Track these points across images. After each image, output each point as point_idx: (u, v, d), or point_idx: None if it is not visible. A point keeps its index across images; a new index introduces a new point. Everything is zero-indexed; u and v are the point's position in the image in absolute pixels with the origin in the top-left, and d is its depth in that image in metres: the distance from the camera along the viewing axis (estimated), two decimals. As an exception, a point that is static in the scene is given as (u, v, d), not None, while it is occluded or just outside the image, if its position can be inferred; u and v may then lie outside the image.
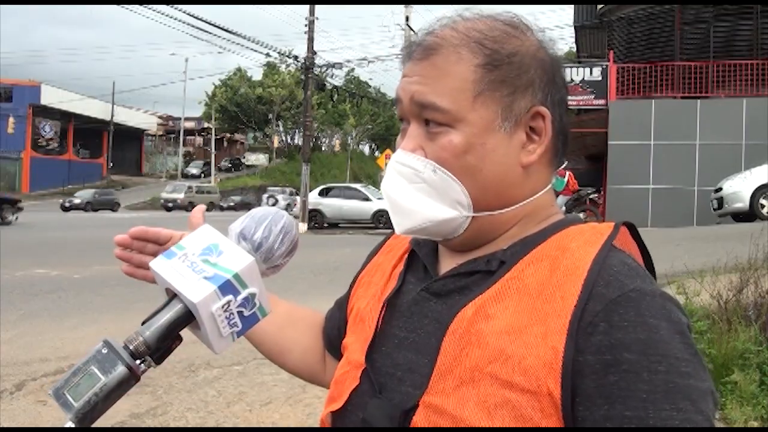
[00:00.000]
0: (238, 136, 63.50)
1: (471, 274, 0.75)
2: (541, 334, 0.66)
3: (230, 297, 0.66)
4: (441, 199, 0.74)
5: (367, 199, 22.23)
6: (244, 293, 0.67)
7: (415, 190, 0.75)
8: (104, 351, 0.64)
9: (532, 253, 0.73)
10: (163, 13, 18.53)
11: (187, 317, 0.66)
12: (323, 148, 57.99)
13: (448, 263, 0.80)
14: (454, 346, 0.70)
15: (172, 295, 0.67)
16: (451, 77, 0.74)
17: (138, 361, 0.64)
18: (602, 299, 0.65)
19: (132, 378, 0.63)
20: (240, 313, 0.67)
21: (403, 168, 0.76)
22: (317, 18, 21.80)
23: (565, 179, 13.94)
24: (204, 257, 0.67)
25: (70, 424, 0.62)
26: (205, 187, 45.33)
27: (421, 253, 0.83)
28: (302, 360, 1.01)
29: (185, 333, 0.70)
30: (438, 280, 0.78)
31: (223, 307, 0.65)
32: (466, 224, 0.75)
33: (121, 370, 0.63)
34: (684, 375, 0.62)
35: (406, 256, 0.87)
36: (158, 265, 0.68)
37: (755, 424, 2.95)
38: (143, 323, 0.66)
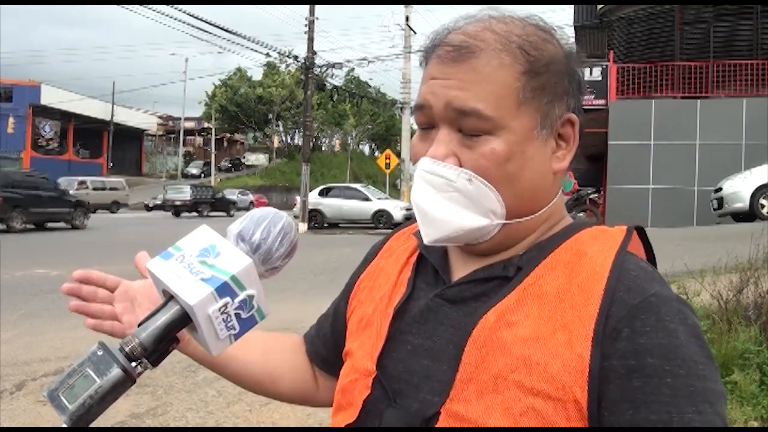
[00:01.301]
0: (238, 136, 63.47)
1: (487, 281, 0.74)
2: (565, 342, 0.66)
3: (227, 299, 0.65)
4: (474, 208, 0.72)
5: (367, 199, 22.24)
6: (241, 295, 0.66)
7: (446, 200, 0.72)
8: (99, 353, 0.63)
9: (549, 259, 0.73)
10: (163, 13, 18.54)
11: (184, 319, 0.65)
12: (323, 148, 57.98)
13: (461, 268, 0.79)
14: (476, 353, 0.70)
15: (169, 297, 0.66)
16: (493, 83, 0.71)
17: (134, 364, 0.64)
18: (625, 305, 0.66)
19: (127, 380, 0.63)
20: (237, 315, 0.66)
21: (432, 177, 0.73)
22: (317, 18, 21.80)
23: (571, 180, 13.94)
24: (201, 258, 0.67)
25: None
26: (108, 182, 38.12)
27: (431, 257, 0.81)
28: (294, 382, 0.97)
29: (184, 334, 0.69)
30: (452, 287, 0.76)
31: (220, 309, 0.65)
32: (495, 231, 0.74)
33: (116, 372, 0.62)
34: (702, 378, 0.64)
35: (414, 260, 0.84)
36: (155, 266, 0.68)
37: (755, 424, 2.95)
38: (139, 325, 0.66)
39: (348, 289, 0.94)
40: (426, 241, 0.76)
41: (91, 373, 0.62)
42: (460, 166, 0.72)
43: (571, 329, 0.67)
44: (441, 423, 0.69)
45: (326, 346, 0.96)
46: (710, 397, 0.64)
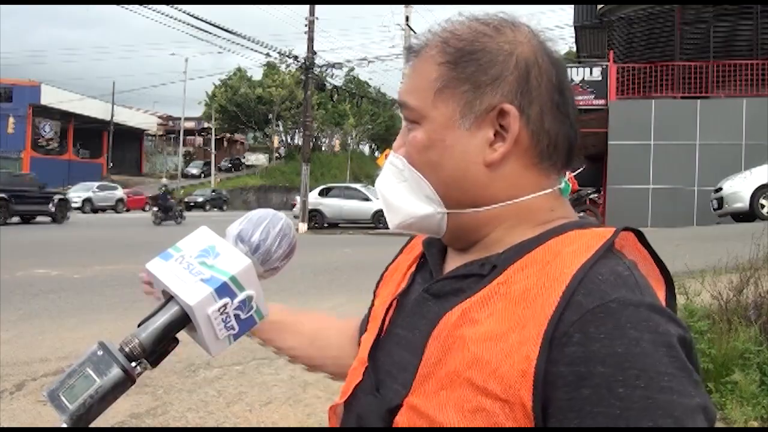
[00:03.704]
0: (238, 136, 63.46)
1: (466, 277, 0.75)
2: (517, 342, 0.65)
3: (227, 299, 0.65)
4: (417, 195, 0.77)
5: (367, 199, 22.25)
6: (240, 296, 0.66)
7: (401, 188, 0.78)
8: (100, 353, 0.63)
9: (524, 258, 0.72)
10: (163, 13, 18.56)
11: (184, 319, 0.66)
12: (323, 148, 58.00)
13: (451, 265, 0.80)
14: (437, 349, 0.70)
15: (169, 297, 0.67)
16: (418, 76, 0.77)
17: (134, 364, 0.64)
18: (579, 309, 0.63)
19: (127, 380, 0.63)
20: (237, 316, 0.67)
21: (390, 167, 0.80)
22: (317, 18, 21.84)
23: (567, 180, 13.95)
24: (201, 259, 0.67)
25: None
26: None
27: (429, 254, 0.84)
28: (338, 367, 1.03)
29: (183, 334, 0.69)
30: (437, 282, 0.78)
31: (219, 309, 0.65)
32: (444, 221, 0.77)
33: (116, 372, 0.62)
34: (665, 390, 0.59)
35: (420, 256, 0.88)
36: (154, 266, 0.68)
37: (755, 424, 2.95)
38: (139, 325, 0.66)
39: (378, 282, 0.98)
40: (390, 226, 0.82)
41: (91, 373, 0.62)
42: None
43: (525, 330, 0.65)
44: (401, 415, 0.70)
45: None
46: (675, 411, 0.59)
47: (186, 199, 34.50)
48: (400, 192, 0.79)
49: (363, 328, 0.99)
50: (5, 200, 19.60)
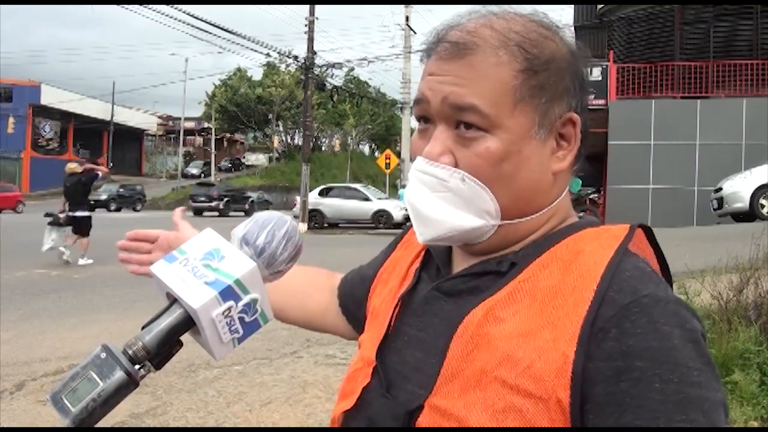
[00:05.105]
0: (238, 136, 63.44)
1: (482, 275, 0.74)
2: (551, 339, 0.65)
3: (231, 303, 0.65)
4: (467, 208, 0.72)
5: (367, 199, 22.26)
6: (245, 299, 0.66)
7: (440, 200, 0.72)
8: (103, 356, 0.63)
9: (545, 256, 0.72)
10: (163, 13, 18.50)
11: (188, 322, 0.65)
12: (323, 148, 57.97)
13: (461, 262, 0.79)
14: (462, 348, 0.69)
15: (173, 300, 0.66)
16: (490, 80, 0.71)
17: (137, 367, 0.64)
18: (614, 305, 0.64)
19: (131, 384, 0.62)
20: (241, 319, 0.66)
21: (426, 177, 0.73)
22: (317, 18, 21.83)
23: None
24: (205, 262, 0.66)
25: (68, 429, 0.62)
26: None
27: (435, 251, 0.82)
28: (300, 317, 1.07)
29: (186, 336, 0.69)
30: (448, 279, 0.77)
31: (223, 313, 0.65)
32: (491, 232, 0.74)
33: (119, 375, 0.62)
34: (695, 385, 0.61)
35: (423, 252, 0.86)
36: (159, 269, 0.67)
37: (755, 424, 2.95)
38: (143, 328, 0.66)
39: (372, 273, 0.96)
40: (420, 240, 0.76)
41: (95, 376, 0.62)
42: (456, 164, 0.72)
43: (558, 327, 0.65)
44: (423, 416, 0.69)
45: (349, 296, 1.02)
46: (704, 406, 0.60)
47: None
48: (438, 204, 0.73)
49: (350, 297, 1.00)
50: (228, 201, 33.60)
